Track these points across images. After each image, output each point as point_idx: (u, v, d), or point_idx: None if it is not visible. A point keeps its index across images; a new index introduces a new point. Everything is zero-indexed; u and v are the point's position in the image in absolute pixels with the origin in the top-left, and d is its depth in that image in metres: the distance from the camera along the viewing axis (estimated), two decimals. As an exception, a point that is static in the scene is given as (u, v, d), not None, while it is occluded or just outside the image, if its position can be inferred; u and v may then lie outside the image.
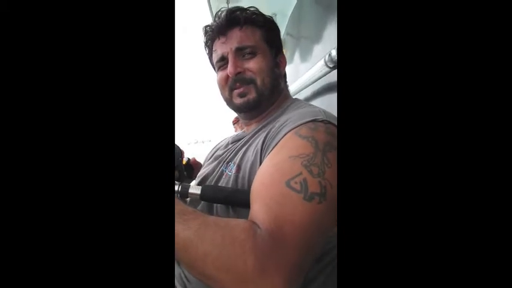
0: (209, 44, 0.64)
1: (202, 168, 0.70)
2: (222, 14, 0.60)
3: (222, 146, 0.71)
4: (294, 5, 1.69)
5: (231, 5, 1.60)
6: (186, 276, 0.54)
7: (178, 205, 0.41)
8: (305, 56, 1.49)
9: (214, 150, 0.74)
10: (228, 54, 0.59)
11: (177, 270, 0.57)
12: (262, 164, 0.46)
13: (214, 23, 0.61)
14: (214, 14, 1.88)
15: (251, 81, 0.59)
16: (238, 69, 0.58)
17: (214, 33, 0.61)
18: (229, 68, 0.58)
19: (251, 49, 0.58)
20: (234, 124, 2.77)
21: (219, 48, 0.60)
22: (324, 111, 0.51)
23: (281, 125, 0.50)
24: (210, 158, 0.71)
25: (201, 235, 0.37)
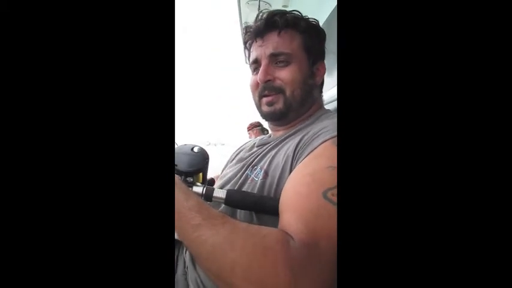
0: (248, 45, 0.62)
1: (224, 170, 0.68)
2: (263, 17, 0.58)
3: (246, 148, 0.68)
4: (326, 18, 1.66)
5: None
6: (202, 281, 0.51)
7: (207, 209, 0.38)
8: (333, 70, 1.45)
9: (238, 151, 0.71)
10: (261, 58, 0.56)
11: (193, 274, 0.53)
12: (296, 170, 0.44)
13: (254, 25, 0.58)
14: (243, 22, 1.89)
15: (280, 91, 0.56)
16: (268, 77, 0.56)
17: (252, 35, 0.59)
18: (260, 75, 0.56)
19: (286, 57, 0.55)
20: (248, 131, 2.75)
21: (255, 51, 0.58)
22: None
23: (316, 133, 0.47)
24: (233, 159, 0.68)
25: (231, 242, 0.34)
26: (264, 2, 1.56)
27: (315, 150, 0.44)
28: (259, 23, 0.58)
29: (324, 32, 0.61)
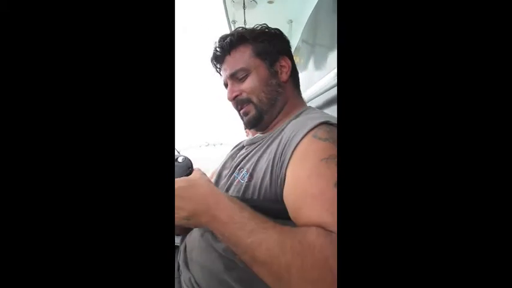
0: (221, 74, 0.68)
1: (220, 167, 0.71)
2: (216, 45, 0.66)
3: (238, 147, 0.72)
4: (310, 12, 1.69)
5: (247, 11, 1.61)
6: (196, 281, 0.55)
7: (258, 216, 0.42)
8: (319, 63, 1.48)
9: (231, 151, 0.74)
10: (226, 80, 0.65)
11: (187, 275, 0.57)
12: (294, 174, 0.46)
13: (213, 54, 0.66)
14: (230, 21, 1.89)
15: (248, 101, 0.63)
16: (234, 94, 0.63)
17: (216, 63, 0.68)
18: (227, 95, 0.64)
19: (243, 71, 0.62)
20: (245, 129, 2.77)
21: (223, 75, 0.66)
22: (335, 118, 0.51)
23: (292, 131, 0.50)
24: (228, 158, 0.72)
25: (281, 244, 0.37)
26: (249, -1, 1.59)
27: (298, 148, 0.47)
28: (214, 51, 0.66)
29: (274, 30, 0.67)
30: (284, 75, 0.64)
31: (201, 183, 0.47)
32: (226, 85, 0.67)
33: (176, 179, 0.48)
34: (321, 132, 0.47)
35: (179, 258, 0.62)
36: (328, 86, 1.15)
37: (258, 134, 0.72)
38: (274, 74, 0.63)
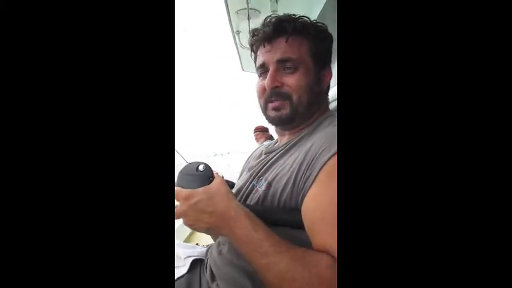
0: (254, 48, 0.63)
1: (238, 179, 0.70)
2: (271, 21, 0.59)
3: (255, 155, 0.70)
4: (315, 18, 1.69)
5: (252, 21, 1.61)
6: None
7: (273, 236, 0.42)
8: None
9: (249, 160, 0.72)
10: (269, 63, 0.58)
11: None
12: (316, 195, 0.46)
13: (262, 29, 0.60)
14: (235, 31, 1.91)
15: (287, 97, 0.57)
16: (276, 83, 0.57)
17: (259, 40, 0.60)
18: (267, 81, 0.57)
19: (293, 63, 0.57)
20: (255, 133, 2.77)
21: (262, 56, 0.59)
22: None
23: (321, 147, 0.49)
24: (245, 168, 0.71)
25: (293, 271, 0.38)
26: (252, 9, 1.59)
27: (324, 169, 0.46)
28: (267, 28, 0.59)
29: (331, 36, 0.63)
30: (325, 85, 0.62)
31: (220, 195, 0.47)
32: (261, 67, 0.60)
33: (196, 190, 0.48)
34: None
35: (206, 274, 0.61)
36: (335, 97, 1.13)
37: (270, 142, 0.70)
38: (319, 82, 0.60)
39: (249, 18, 1.61)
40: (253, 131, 2.79)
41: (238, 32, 1.95)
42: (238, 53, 2.08)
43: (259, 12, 1.67)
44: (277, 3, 1.57)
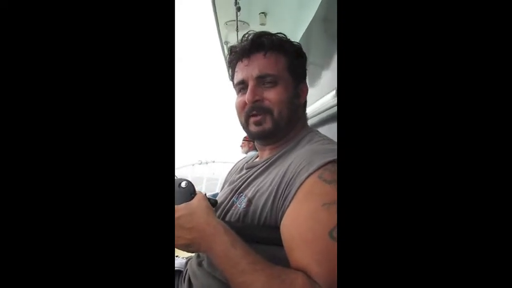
0: (232, 64, 0.62)
1: (220, 190, 0.69)
2: (249, 37, 0.60)
3: (237, 168, 0.70)
4: (302, 34, 1.73)
5: (240, 33, 1.64)
6: None
7: (250, 254, 0.43)
8: (313, 82, 1.50)
9: (231, 172, 0.71)
10: (248, 79, 0.58)
11: None
12: (293, 211, 0.47)
13: (240, 45, 0.60)
14: (223, 42, 1.92)
15: (268, 111, 0.57)
16: (257, 97, 0.57)
17: (238, 55, 0.60)
18: (248, 95, 0.57)
19: (272, 78, 0.57)
20: (243, 141, 2.81)
21: (241, 71, 0.59)
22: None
23: (299, 166, 0.49)
24: (228, 181, 0.69)
25: None
26: (241, 22, 1.62)
27: (302, 187, 0.47)
28: (245, 43, 0.60)
29: (305, 54, 0.64)
30: (302, 99, 0.63)
31: (199, 212, 0.47)
32: (241, 83, 0.59)
33: (177, 206, 0.47)
34: (326, 173, 0.46)
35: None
36: (324, 107, 1.15)
37: (253, 155, 0.69)
38: (297, 96, 0.61)
39: (237, 30, 1.63)
40: (242, 141, 2.83)
41: (226, 43, 1.97)
42: (226, 62, 2.10)
43: (248, 24, 1.69)
44: (265, 17, 1.61)
